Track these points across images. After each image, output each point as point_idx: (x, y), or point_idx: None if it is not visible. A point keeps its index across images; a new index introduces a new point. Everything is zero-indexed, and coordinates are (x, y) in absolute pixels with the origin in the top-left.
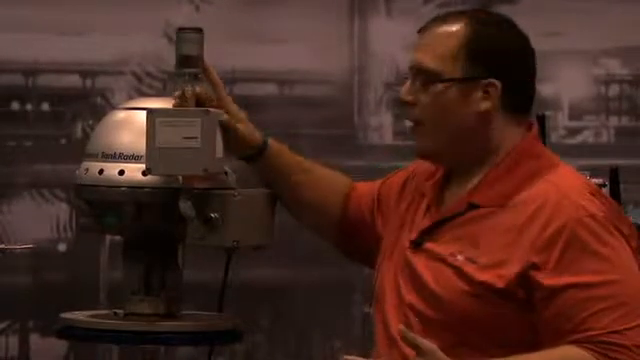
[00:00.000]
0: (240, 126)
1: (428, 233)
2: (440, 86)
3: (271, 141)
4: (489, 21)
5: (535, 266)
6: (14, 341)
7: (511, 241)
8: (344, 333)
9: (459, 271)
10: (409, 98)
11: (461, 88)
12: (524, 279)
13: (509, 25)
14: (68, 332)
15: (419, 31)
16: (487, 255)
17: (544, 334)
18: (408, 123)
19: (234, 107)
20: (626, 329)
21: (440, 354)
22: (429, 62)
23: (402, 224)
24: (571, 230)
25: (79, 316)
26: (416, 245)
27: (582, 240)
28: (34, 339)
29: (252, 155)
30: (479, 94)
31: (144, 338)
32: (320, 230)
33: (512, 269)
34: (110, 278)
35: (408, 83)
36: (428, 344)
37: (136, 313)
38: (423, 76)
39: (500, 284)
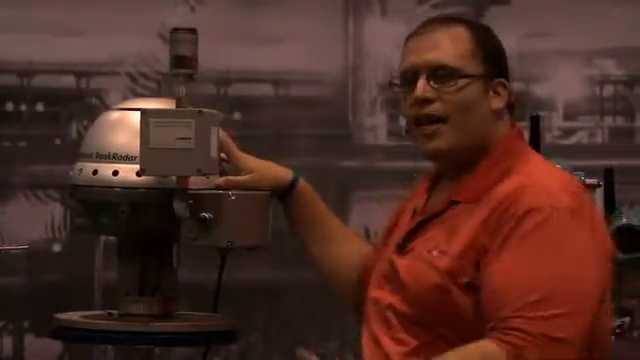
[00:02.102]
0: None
1: (413, 234)
2: (464, 81)
3: (302, 181)
4: (481, 26)
5: (484, 251)
6: (9, 341)
7: (477, 233)
8: (339, 334)
9: (430, 264)
10: (429, 95)
11: (481, 85)
12: (478, 266)
13: (491, 30)
14: (63, 332)
15: (416, 34)
16: (456, 247)
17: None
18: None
19: (248, 162)
20: (540, 317)
21: None
22: (450, 59)
23: (388, 240)
24: (520, 217)
25: (74, 316)
26: (401, 248)
27: (526, 228)
28: (29, 339)
29: (284, 190)
30: (491, 93)
31: (139, 338)
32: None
33: (471, 259)
34: (105, 278)
35: (422, 82)
36: None
37: (131, 313)
38: (442, 73)
39: (464, 278)
